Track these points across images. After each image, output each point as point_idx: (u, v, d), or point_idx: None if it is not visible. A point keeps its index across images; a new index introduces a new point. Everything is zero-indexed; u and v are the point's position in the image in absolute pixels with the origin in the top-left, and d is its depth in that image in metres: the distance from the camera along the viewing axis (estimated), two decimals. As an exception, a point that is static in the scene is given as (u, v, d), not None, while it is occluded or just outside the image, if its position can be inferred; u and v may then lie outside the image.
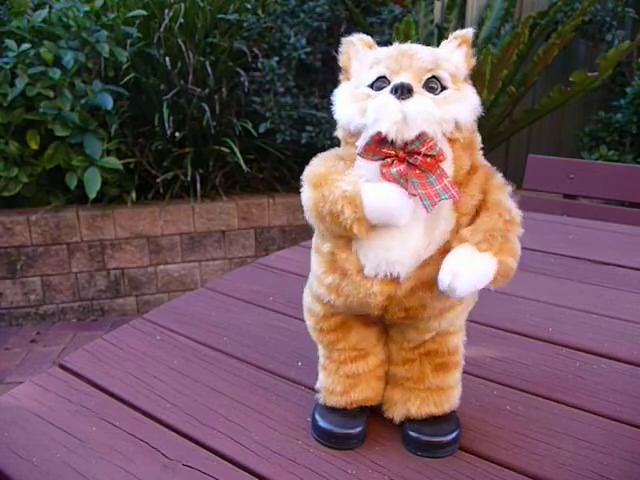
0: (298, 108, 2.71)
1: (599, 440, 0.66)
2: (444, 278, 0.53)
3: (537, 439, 0.66)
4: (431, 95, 0.55)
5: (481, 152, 0.60)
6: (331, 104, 0.61)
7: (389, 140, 0.53)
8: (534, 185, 1.88)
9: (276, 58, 2.69)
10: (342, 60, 0.62)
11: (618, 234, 1.41)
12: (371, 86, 0.57)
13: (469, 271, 0.53)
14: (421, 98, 0.54)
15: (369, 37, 0.62)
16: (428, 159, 0.53)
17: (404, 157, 0.53)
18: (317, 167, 0.59)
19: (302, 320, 0.68)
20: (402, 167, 0.53)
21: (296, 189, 0.60)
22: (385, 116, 0.53)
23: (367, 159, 0.55)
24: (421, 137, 0.53)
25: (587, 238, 1.38)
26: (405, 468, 0.62)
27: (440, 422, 0.65)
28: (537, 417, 0.70)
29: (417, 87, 0.55)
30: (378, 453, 0.64)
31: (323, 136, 2.66)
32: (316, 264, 0.62)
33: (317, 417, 0.67)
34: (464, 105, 0.56)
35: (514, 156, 3.68)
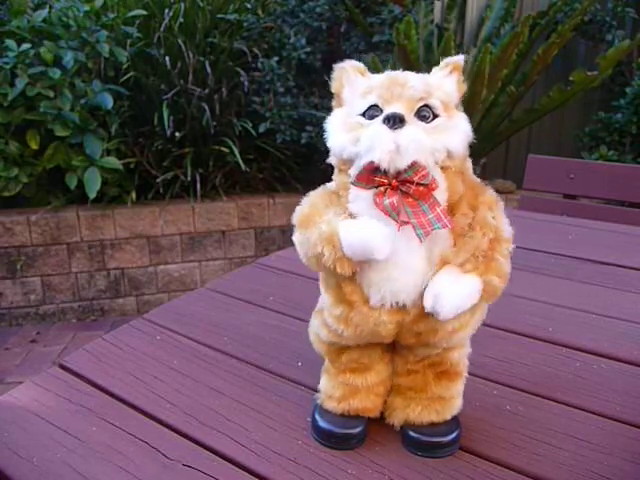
0: (298, 108, 2.71)
1: (599, 440, 0.66)
2: (427, 301, 0.54)
3: (537, 439, 0.66)
4: (423, 124, 0.56)
5: (471, 172, 0.60)
6: (331, 104, 0.61)
7: (382, 169, 0.54)
8: (534, 185, 1.88)
9: (276, 58, 2.69)
10: (334, 86, 0.62)
11: (618, 234, 1.41)
12: (363, 114, 0.58)
13: (451, 293, 0.54)
14: (413, 128, 0.54)
15: (361, 64, 0.62)
16: (421, 188, 0.54)
17: (397, 186, 0.54)
18: (303, 207, 0.59)
19: (302, 320, 0.68)
20: (395, 199, 0.54)
21: (296, 189, 0.60)
22: (378, 146, 0.53)
23: (360, 188, 0.56)
24: (413, 166, 0.53)
25: (587, 238, 1.38)
26: (405, 468, 0.62)
27: (441, 423, 0.65)
28: (537, 417, 0.70)
29: (409, 116, 0.55)
30: (378, 453, 0.64)
31: (323, 136, 2.65)
32: (324, 296, 0.62)
33: (317, 417, 0.67)
34: (456, 134, 0.57)
35: (514, 156, 3.68)
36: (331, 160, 0.61)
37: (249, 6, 2.89)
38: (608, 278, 1.13)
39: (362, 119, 0.57)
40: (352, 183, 0.56)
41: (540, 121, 3.24)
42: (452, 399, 0.66)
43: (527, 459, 0.63)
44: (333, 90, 0.63)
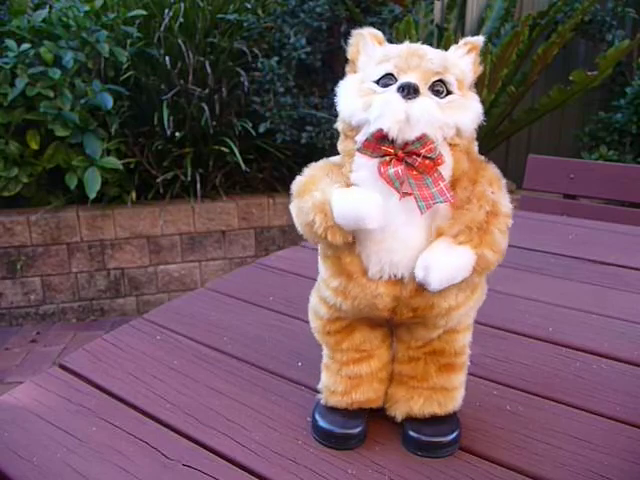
0: (298, 108, 2.71)
1: (599, 440, 0.66)
2: (418, 272, 0.54)
3: (537, 439, 0.66)
4: (436, 98, 0.55)
5: (476, 147, 0.60)
6: (332, 104, 0.60)
7: (390, 138, 0.53)
8: (534, 185, 1.88)
9: (276, 58, 2.69)
10: (350, 52, 0.62)
11: (618, 234, 1.41)
12: (377, 82, 0.57)
13: (442, 264, 0.54)
14: (426, 100, 0.54)
15: (380, 32, 0.62)
16: (426, 161, 0.53)
17: (403, 157, 0.54)
18: (301, 177, 0.59)
19: (302, 320, 0.68)
20: (399, 169, 0.53)
21: (296, 189, 0.60)
22: (389, 114, 0.53)
23: (366, 155, 0.55)
24: (422, 139, 0.53)
25: (587, 238, 1.38)
26: (405, 468, 0.62)
27: (440, 422, 0.65)
28: (537, 417, 0.70)
29: (423, 88, 0.55)
30: (378, 453, 0.64)
31: (323, 136, 2.66)
32: (322, 268, 0.62)
33: (317, 417, 0.67)
34: (467, 112, 0.57)
35: (514, 156, 3.68)
36: (338, 125, 0.60)
37: (249, 6, 2.89)
38: (608, 278, 1.13)
39: (375, 86, 0.57)
40: (358, 150, 0.56)
41: (540, 121, 3.24)
42: (454, 390, 0.66)
43: (527, 459, 0.63)
44: (348, 56, 0.62)
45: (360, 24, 2.85)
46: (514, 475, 0.61)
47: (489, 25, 3.18)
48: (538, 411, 0.72)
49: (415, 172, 0.54)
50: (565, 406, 0.73)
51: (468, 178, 0.57)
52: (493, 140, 3.06)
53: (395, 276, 0.56)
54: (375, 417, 0.68)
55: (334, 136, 0.63)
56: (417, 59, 0.56)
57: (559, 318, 0.96)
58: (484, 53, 2.51)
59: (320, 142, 2.65)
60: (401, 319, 0.60)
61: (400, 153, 0.54)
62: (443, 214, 0.56)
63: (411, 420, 0.65)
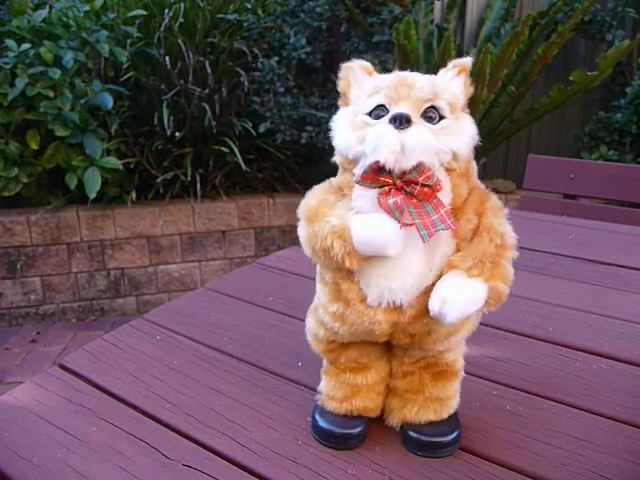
0: (298, 108, 2.71)
1: (599, 440, 0.66)
2: (434, 305, 0.54)
3: (537, 439, 0.66)
4: (429, 125, 0.56)
5: (476, 177, 0.61)
6: (331, 104, 0.61)
7: (387, 169, 0.54)
8: (534, 185, 1.88)
9: (276, 58, 2.69)
10: (341, 85, 0.62)
11: (618, 234, 1.41)
12: (370, 114, 0.58)
13: (458, 298, 0.54)
14: (419, 128, 0.54)
15: (368, 64, 0.62)
16: (425, 189, 0.54)
17: (401, 186, 0.54)
18: (310, 200, 0.59)
19: (302, 320, 0.68)
20: (399, 199, 0.53)
21: (296, 189, 0.60)
22: (384, 146, 0.53)
23: (365, 187, 0.55)
24: (419, 167, 0.53)
25: (587, 238, 1.38)
26: (405, 468, 0.62)
27: (440, 423, 0.65)
28: (537, 417, 0.70)
29: (415, 117, 0.55)
30: (378, 453, 0.64)
31: (323, 136, 2.65)
32: (321, 293, 0.62)
33: (317, 417, 0.67)
34: (461, 136, 0.57)
35: (514, 156, 3.68)
36: (336, 159, 0.61)
37: (249, 6, 2.88)
38: (608, 278, 1.13)
39: (368, 118, 0.57)
40: (357, 182, 0.56)
41: (540, 121, 3.24)
42: (449, 399, 0.66)
43: (527, 459, 0.63)
44: (340, 89, 0.63)
45: (360, 24, 2.85)
46: (514, 475, 0.61)
47: (489, 25, 3.18)
48: (538, 411, 0.72)
49: (415, 200, 0.54)
50: (565, 406, 0.73)
51: (473, 210, 0.57)
52: (493, 140, 3.05)
53: (394, 303, 0.57)
54: (375, 417, 0.68)
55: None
56: (406, 89, 0.56)
57: (559, 318, 0.96)
58: (484, 53, 2.51)
59: (320, 142, 2.65)
60: (399, 344, 0.61)
61: (398, 182, 0.54)
62: (445, 243, 0.56)
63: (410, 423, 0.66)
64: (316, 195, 0.60)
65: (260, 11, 2.91)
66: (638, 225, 1.48)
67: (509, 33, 2.90)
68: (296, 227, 0.61)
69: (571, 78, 2.92)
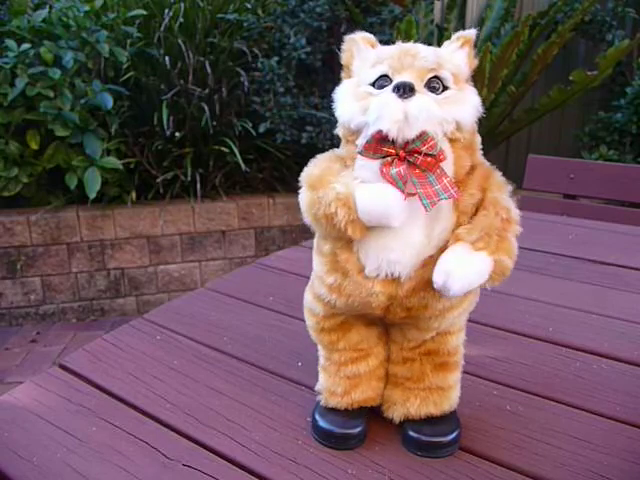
0: (298, 108, 2.71)
1: (599, 440, 0.66)
2: (438, 277, 0.54)
3: (537, 439, 0.66)
4: (433, 95, 0.55)
5: (481, 152, 0.60)
6: (331, 104, 0.61)
7: (390, 139, 0.53)
8: (534, 185, 1.88)
9: (276, 58, 2.69)
10: (344, 58, 0.62)
11: (618, 234, 1.41)
12: (373, 84, 0.57)
13: (463, 270, 0.54)
14: (423, 97, 0.54)
15: (371, 35, 0.62)
16: (428, 158, 0.53)
17: (404, 156, 0.53)
18: (313, 168, 0.59)
19: (302, 320, 0.68)
20: (402, 169, 0.53)
21: (296, 189, 0.60)
22: (386, 115, 0.53)
23: (367, 157, 0.55)
24: (422, 136, 0.53)
25: (587, 238, 1.38)
26: (405, 468, 0.62)
27: (440, 422, 0.65)
28: (537, 417, 0.70)
29: (419, 86, 0.55)
30: (378, 453, 0.64)
31: (323, 136, 2.65)
32: (318, 264, 0.62)
33: (317, 417, 0.67)
34: (465, 106, 0.57)
35: (514, 156, 3.68)
36: (338, 131, 0.61)
37: (249, 6, 2.88)
38: (608, 278, 1.13)
39: (371, 88, 0.57)
40: (359, 153, 0.56)
41: (540, 121, 3.24)
42: (450, 389, 0.66)
43: (527, 459, 0.63)
44: (343, 62, 0.62)
45: (360, 24, 2.85)
46: (514, 475, 0.61)
47: (489, 25, 3.18)
48: (538, 411, 0.72)
49: (418, 170, 0.54)
50: (565, 406, 0.73)
51: (477, 185, 0.57)
52: (493, 140, 3.06)
53: (391, 275, 0.56)
54: (375, 417, 0.68)
55: (334, 136, 0.64)
56: (410, 58, 0.56)
57: (559, 318, 0.96)
58: (484, 53, 2.51)
59: (320, 142, 2.65)
60: (394, 318, 0.60)
61: (401, 152, 0.54)
62: (445, 216, 0.56)
63: (410, 420, 0.65)
64: (319, 163, 0.60)
65: (260, 11, 2.91)
66: (638, 225, 1.48)
67: (509, 33, 2.90)
68: (296, 227, 0.60)
69: (571, 78, 2.92)
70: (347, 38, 0.62)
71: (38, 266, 2.59)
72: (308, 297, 0.66)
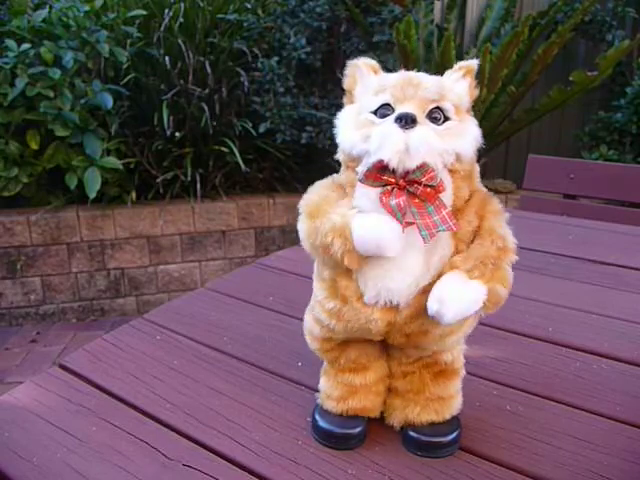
0: (298, 108, 2.71)
1: (599, 440, 0.66)
2: (431, 304, 0.54)
3: (537, 439, 0.66)
4: (434, 126, 0.56)
5: (479, 180, 0.61)
6: (331, 104, 0.60)
7: (390, 168, 0.54)
8: (534, 185, 1.88)
9: (276, 58, 2.69)
10: (347, 83, 0.62)
11: (618, 234, 1.41)
12: (375, 112, 0.57)
13: (457, 298, 0.54)
14: (424, 129, 0.54)
15: (374, 62, 0.62)
16: (428, 189, 0.54)
17: (404, 185, 0.54)
18: (312, 196, 0.59)
19: (302, 320, 0.68)
20: (402, 200, 0.53)
21: (296, 189, 0.60)
22: (388, 145, 0.53)
23: (367, 185, 0.55)
24: (422, 167, 0.53)
25: (587, 238, 1.38)
26: (405, 468, 0.62)
27: (440, 423, 0.65)
28: (537, 417, 0.70)
29: (421, 117, 0.55)
30: (378, 453, 0.64)
31: (323, 136, 2.65)
32: (318, 289, 0.62)
33: (317, 417, 0.67)
34: (466, 138, 0.57)
35: (514, 156, 3.68)
36: (339, 156, 0.61)
37: (249, 6, 2.89)
38: (608, 278, 1.13)
39: (373, 117, 0.57)
40: (359, 180, 0.56)
41: (540, 121, 3.24)
42: (451, 398, 0.66)
43: (527, 459, 0.63)
44: (345, 87, 0.62)
45: (360, 24, 2.86)
46: (514, 475, 0.61)
47: (489, 25, 3.18)
48: (538, 411, 0.72)
49: (417, 200, 0.54)
50: (565, 406, 0.73)
51: (474, 212, 0.57)
52: (493, 140, 3.06)
53: (390, 302, 0.57)
54: (375, 417, 0.68)
55: (334, 136, 0.64)
56: (413, 88, 0.56)
57: (559, 318, 0.96)
58: (484, 53, 2.51)
59: (320, 142, 2.65)
60: (394, 343, 0.61)
61: (401, 182, 0.54)
62: (444, 244, 0.57)
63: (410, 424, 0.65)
64: (318, 191, 0.60)
65: (260, 11, 2.91)
66: (638, 225, 1.48)
67: (509, 33, 2.90)
68: (296, 227, 0.61)
69: (571, 78, 2.92)
70: (350, 63, 0.62)
71: (38, 266, 2.59)
72: (308, 319, 0.66)
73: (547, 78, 3.34)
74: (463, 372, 0.67)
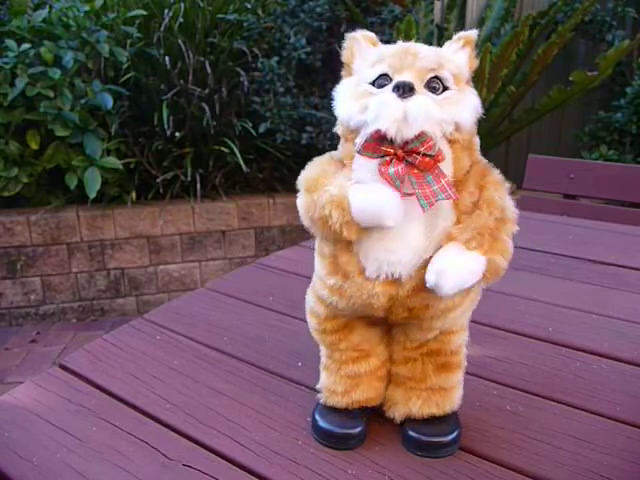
0: (298, 108, 2.71)
1: (599, 440, 0.66)
2: (430, 277, 0.54)
3: (537, 439, 0.66)
4: (432, 95, 0.55)
5: (479, 151, 0.60)
6: (331, 104, 0.61)
7: (388, 138, 0.53)
8: (534, 185, 1.88)
9: (276, 58, 2.69)
10: (345, 56, 0.62)
11: (618, 234, 1.41)
12: (373, 83, 0.57)
13: (454, 269, 0.54)
14: (422, 97, 0.54)
15: (372, 34, 0.62)
16: (427, 159, 0.53)
17: (403, 156, 0.53)
18: (309, 171, 0.59)
19: (302, 320, 0.68)
20: (400, 168, 0.53)
21: (296, 189, 0.60)
22: (386, 114, 0.53)
23: (366, 156, 0.55)
24: (420, 136, 0.53)
25: (587, 238, 1.38)
26: (405, 468, 0.62)
27: (440, 422, 0.65)
28: (537, 417, 0.70)
29: (419, 86, 0.55)
30: (378, 453, 0.64)
31: (323, 136, 2.65)
32: (319, 266, 0.62)
33: (317, 417, 0.67)
34: (465, 107, 0.56)
35: (514, 156, 3.68)
36: (337, 129, 0.61)
37: (249, 6, 2.89)
38: (608, 278, 1.13)
39: (371, 87, 0.57)
40: (358, 151, 0.56)
41: (540, 121, 3.24)
42: (452, 389, 0.66)
43: (527, 459, 0.63)
44: (343, 59, 0.62)
45: (360, 24, 2.85)
46: (514, 475, 0.61)
47: (489, 25, 3.18)
48: (538, 411, 0.72)
49: (416, 170, 0.53)
50: (565, 406, 0.73)
51: (474, 183, 0.57)
52: (493, 140, 3.05)
53: (392, 276, 0.56)
54: (375, 417, 0.68)
55: (334, 137, 0.64)
56: (411, 57, 0.56)
57: (559, 318, 0.96)
58: (484, 53, 2.51)
59: (320, 142, 2.65)
60: (396, 319, 0.60)
61: (400, 152, 0.53)
62: (445, 215, 0.56)
63: (411, 420, 0.65)
64: (315, 166, 0.60)
65: (260, 11, 2.91)
66: (638, 225, 1.48)
67: (509, 33, 2.90)
68: (296, 227, 0.61)
69: (571, 78, 2.92)
70: (348, 36, 0.62)
71: (38, 266, 2.59)
72: (310, 298, 0.66)
73: (547, 78, 3.34)
74: (465, 364, 0.67)
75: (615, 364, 0.82)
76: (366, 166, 0.55)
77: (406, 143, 0.53)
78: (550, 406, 0.73)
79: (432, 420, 0.65)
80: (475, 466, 0.62)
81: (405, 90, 0.53)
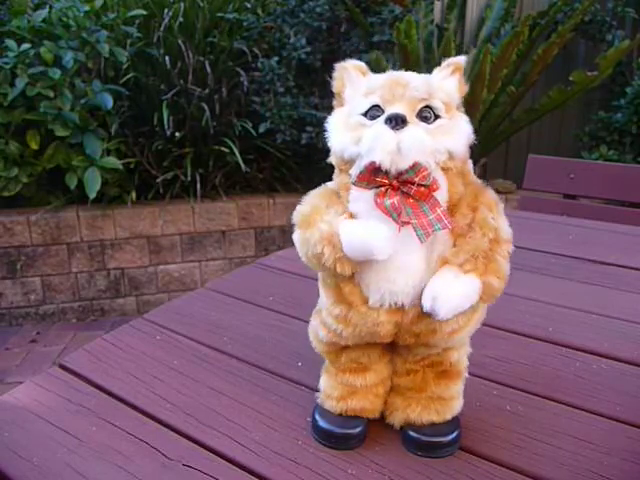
0: (298, 108, 2.71)
1: (599, 440, 0.66)
2: (425, 303, 0.54)
3: (537, 439, 0.66)
4: (424, 125, 0.55)
5: (472, 173, 0.60)
6: (331, 105, 0.61)
7: (383, 169, 0.54)
8: (534, 185, 1.88)
9: (276, 58, 2.69)
10: (336, 86, 0.62)
11: (618, 234, 1.41)
12: (365, 114, 0.57)
13: (449, 294, 0.54)
14: (415, 129, 0.54)
15: (363, 63, 0.62)
16: (422, 188, 0.54)
17: (398, 186, 0.54)
18: (303, 206, 0.59)
19: (302, 320, 0.68)
20: (396, 200, 0.53)
21: (296, 189, 0.60)
22: (379, 146, 0.53)
23: (361, 187, 0.55)
24: (415, 167, 0.53)
25: (587, 238, 1.38)
26: (405, 468, 0.62)
27: (441, 423, 0.65)
28: (537, 417, 0.70)
29: (411, 117, 0.55)
30: (378, 453, 0.64)
31: (323, 136, 2.65)
32: (323, 295, 0.62)
33: (317, 417, 0.67)
34: (457, 135, 0.57)
35: (514, 156, 3.68)
36: (331, 160, 0.61)
37: (249, 6, 2.89)
38: (608, 278, 1.13)
39: (364, 119, 0.57)
40: (353, 183, 0.56)
41: (540, 121, 3.24)
42: (452, 399, 0.66)
43: (527, 459, 0.63)
44: (334, 90, 0.62)
45: (360, 24, 2.85)
46: (514, 475, 0.61)
47: (489, 25, 3.18)
48: (538, 411, 0.72)
49: (411, 200, 0.54)
50: (565, 406, 0.73)
51: (467, 205, 0.57)
52: (493, 140, 3.05)
53: (396, 304, 0.57)
54: (375, 418, 0.68)
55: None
56: (401, 88, 0.56)
57: (559, 318, 0.96)
58: (484, 53, 2.51)
59: (320, 142, 2.65)
60: (404, 344, 0.61)
61: (395, 183, 0.54)
62: (442, 240, 0.56)
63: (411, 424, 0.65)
64: (309, 201, 0.60)
65: (260, 11, 2.91)
66: (638, 225, 1.48)
67: (509, 33, 2.90)
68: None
69: (571, 78, 2.92)
70: (338, 66, 0.62)
71: (38, 266, 2.59)
72: (315, 322, 0.66)
73: (547, 78, 3.33)
74: (466, 374, 0.67)
75: (615, 364, 0.82)
76: (362, 197, 0.56)
77: (400, 173, 0.54)
78: (550, 406, 0.73)
79: (433, 422, 0.65)
80: (475, 466, 0.62)
81: (398, 122, 0.54)
